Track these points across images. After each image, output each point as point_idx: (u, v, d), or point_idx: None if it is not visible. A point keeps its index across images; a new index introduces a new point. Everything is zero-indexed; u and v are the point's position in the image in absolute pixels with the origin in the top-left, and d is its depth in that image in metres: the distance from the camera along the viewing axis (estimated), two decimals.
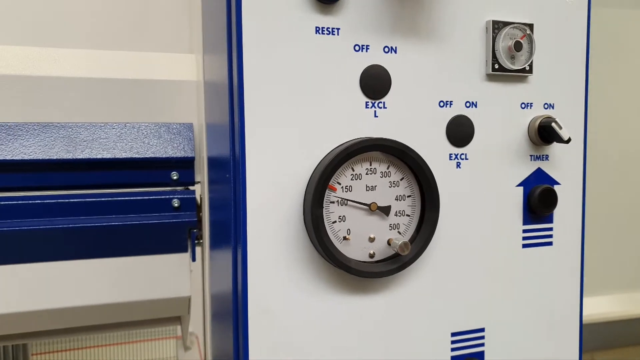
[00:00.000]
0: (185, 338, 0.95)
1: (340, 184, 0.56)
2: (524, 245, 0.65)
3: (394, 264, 0.57)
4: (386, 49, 0.58)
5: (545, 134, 0.63)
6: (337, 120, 0.57)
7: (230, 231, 0.58)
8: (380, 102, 0.58)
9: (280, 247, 0.56)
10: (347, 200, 0.56)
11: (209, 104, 0.74)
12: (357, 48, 0.57)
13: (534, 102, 0.65)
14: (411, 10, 0.58)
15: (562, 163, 0.67)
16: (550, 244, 0.67)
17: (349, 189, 0.56)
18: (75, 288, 0.81)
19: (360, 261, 0.57)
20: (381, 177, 0.57)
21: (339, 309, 0.58)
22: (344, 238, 0.57)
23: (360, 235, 0.57)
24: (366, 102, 0.57)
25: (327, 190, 0.55)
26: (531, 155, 0.65)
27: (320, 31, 0.55)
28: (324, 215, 0.55)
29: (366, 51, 0.57)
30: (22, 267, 0.79)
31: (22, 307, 0.79)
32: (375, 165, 0.57)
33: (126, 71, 0.85)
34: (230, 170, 0.57)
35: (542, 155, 0.66)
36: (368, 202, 0.57)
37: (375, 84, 0.57)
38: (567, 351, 0.68)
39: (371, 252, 0.58)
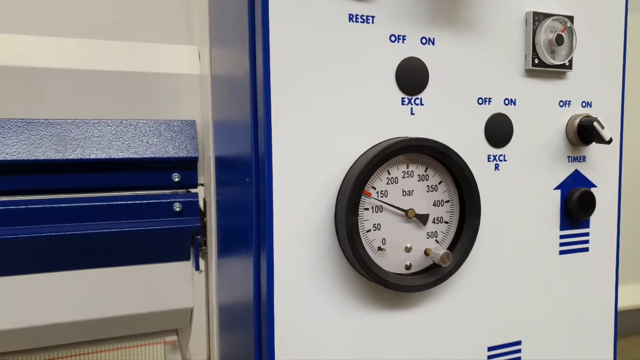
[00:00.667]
0: (184, 351, 0.89)
1: (375, 188, 0.51)
2: (561, 252, 0.61)
3: (433, 276, 0.52)
4: (424, 40, 0.53)
5: (585, 133, 0.59)
6: (371, 117, 0.51)
7: (251, 238, 0.52)
8: (417, 98, 0.53)
9: (310, 257, 0.50)
10: (386, 204, 0.51)
11: (218, 99, 0.68)
12: (393, 38, 0.52)
13: (572, 100, 0.61)
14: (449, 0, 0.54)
15: (599, 165, 0.63)
16: (586, 249, 0.63)
17: (384, 194, 0.51)
18: (64, 302, 0.74)
19: (397, 274, 0.52)
20: (418, 181, 0.53)
21: (371, 325, 0.53)
22: (379, 248, 0.51)
23: (396, 245, 0.52)
24: (402, 98, 0.52)
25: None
26: (569, 157, 0.61)
27: (353, 19, 0.50)
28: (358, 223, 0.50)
29: (403, 42, 0.52)
30: (2, 280, 0.71)
31: (4, 324, 0.71)
32: (412, 167, 0.52)
33: (122, 63, 0.77)
34: (252, 172, 0.51)
35: (580, 156, 0.62)
36: (406, 208, 0.52)
37: (412, 78, 0.52)
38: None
39: (407, 263, 0.53)
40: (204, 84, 0.76)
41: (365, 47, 0.51)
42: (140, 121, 0.76)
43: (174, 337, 1.01)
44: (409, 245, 0.53)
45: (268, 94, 0.48)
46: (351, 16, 0.50)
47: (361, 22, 0.50)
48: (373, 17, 0.51)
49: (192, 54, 0.81)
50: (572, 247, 0.62)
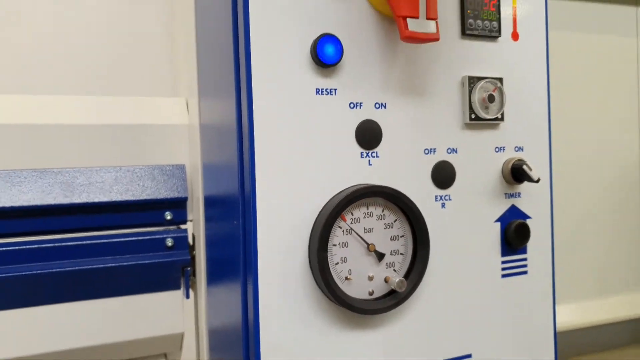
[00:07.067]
0: None
1: (341, 227, 0.61)
2: (503, 276, 0.72)
3: (392, 300, 0.63)
4: (377, 105, 0.64)
5: (517, 174, 0.71)
6: (336, 168, 0.62)
7: (239, 270, 0.62)
8: (374, 152, 0.64)
9: (289, 286, 0.60)
10: (355, 233, 0.61)
11: (207, 145, 0.78)
12: (352, 105, 0.63)
13: (506, 146, 0.72)
14: (398, 70, 0.65)
15: (533, 199, 0.74)
16: (525, 272, 0.74)
17: (349, 232, 0.62)
18: (65, 331, 0.82)
19: (361, 299, 0.62)
20: (377, 220, 0.63)
21: (340, 344, 0.63)
22: (346, 278, 0.62)
23: (361, 274, 0.62)
24: (361, 152, 0.63)
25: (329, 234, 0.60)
26: (505, 194, 0.72)
27: (320, 92, 0.61)
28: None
29: (360, 108, 0.63)
30: (15, 312, 0.79)
31: (9, 353, 0.79)
32: (371, 209, 0.63)
33: (119, 116, 0.87)
34: (239, 210, 0.61)
35: (515, 192, 0.73)
36: (368, 242, 0.62)
37: (368, 136, 0.63)
38: None
39: (370, 290, 0.63)
40: (193, 132, 0.86)
41: (330, 112, 0.62)
42: (137, 167, 0.86)
43: None
44: (371, 275, 0.63)
45: (252, 144, 0.58)
46: (318, 90, 0.61)
47: (326, 94, 0.62)
48: (335, 89, 0.62)
49: (180, 105, 0.92)
50: (513, 271, 0.73)
